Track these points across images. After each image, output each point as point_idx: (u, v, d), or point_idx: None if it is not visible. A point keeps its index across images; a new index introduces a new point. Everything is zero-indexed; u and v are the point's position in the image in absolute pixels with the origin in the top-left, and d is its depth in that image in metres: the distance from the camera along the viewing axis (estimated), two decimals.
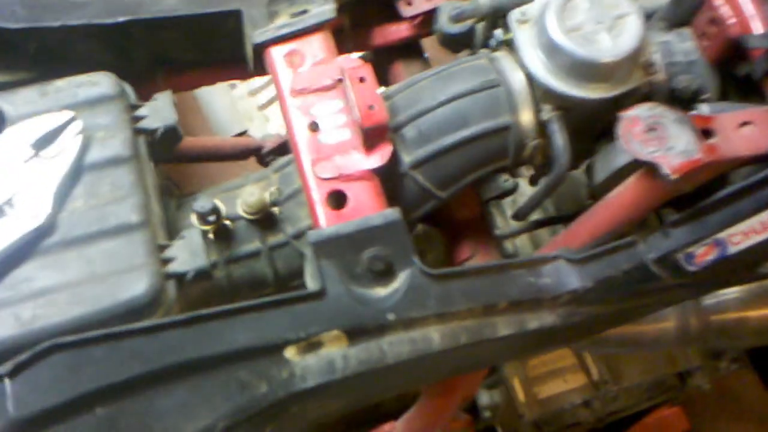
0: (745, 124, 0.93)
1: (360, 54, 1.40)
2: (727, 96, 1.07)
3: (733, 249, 0.95)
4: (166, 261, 1.07)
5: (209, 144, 1.97)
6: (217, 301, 1.21)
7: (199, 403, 0.94)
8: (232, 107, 2.89)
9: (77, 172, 1.09)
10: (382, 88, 1.24)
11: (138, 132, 1.16)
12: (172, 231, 1.16)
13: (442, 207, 1.18)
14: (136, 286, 1.02)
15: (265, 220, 1.19)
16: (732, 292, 1.38)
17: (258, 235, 1.20)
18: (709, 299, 1.38)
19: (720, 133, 0.93)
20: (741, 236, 0.94)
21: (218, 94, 2.86)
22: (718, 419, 2.01)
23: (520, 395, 1.64)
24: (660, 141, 0.89)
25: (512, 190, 1.33)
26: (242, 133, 2.81)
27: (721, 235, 0.95)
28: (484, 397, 1.65)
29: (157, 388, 0.93)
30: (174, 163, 1.59)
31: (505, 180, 1.34)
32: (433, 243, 1.41)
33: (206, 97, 2.85)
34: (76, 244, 1.05)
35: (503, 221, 1.37)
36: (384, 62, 1.44)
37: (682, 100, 1.05)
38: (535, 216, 1.29)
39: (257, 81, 2.80)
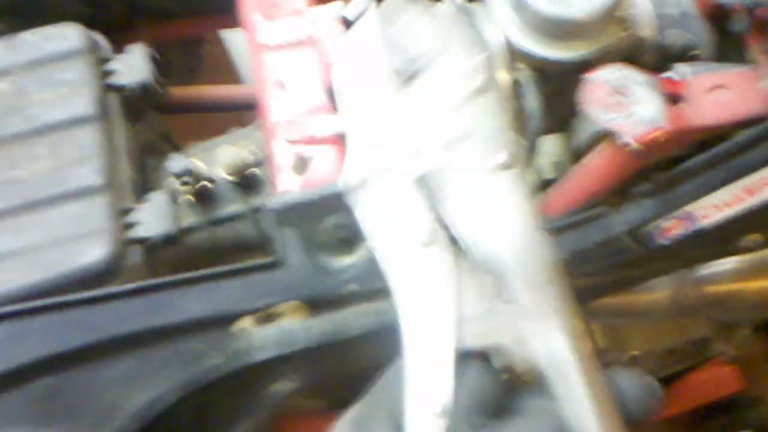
0: (717, 87, 0.84)
1: None
2: (727, 55, 0.97)
3: (704, 222, 0.88)
4: (130, 226, 1.04)
5: (228, 93, 1.93)
6: (202, 262, 1.18)
7: (148, 373, 0.91)
8: None
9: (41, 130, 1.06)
10: None
11: (108, 88, 1.12)
12: (151, 192, 1.12)
13: None
14: (94, 251, 0.98)
15: (247, 180, 1.15)
16: (728, 264, 1.29)
17: (241, 197, 1.15)
18: (705, 270, 1.30)
19: (690, 98, 0.84)
20: (711, 209, 0.86)
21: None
22: None
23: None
24: (623, 107, 0.81)
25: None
26: None
27: (690, 208, 0.87)
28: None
29: (104, 358, 0.90)
30: (189, 113, 1.55)
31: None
32: None
33: (235, 42, 2.79)
34: (36, 207, 1.02)
35: None
36: None
37: (671, 57, 0.95)
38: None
39: None
